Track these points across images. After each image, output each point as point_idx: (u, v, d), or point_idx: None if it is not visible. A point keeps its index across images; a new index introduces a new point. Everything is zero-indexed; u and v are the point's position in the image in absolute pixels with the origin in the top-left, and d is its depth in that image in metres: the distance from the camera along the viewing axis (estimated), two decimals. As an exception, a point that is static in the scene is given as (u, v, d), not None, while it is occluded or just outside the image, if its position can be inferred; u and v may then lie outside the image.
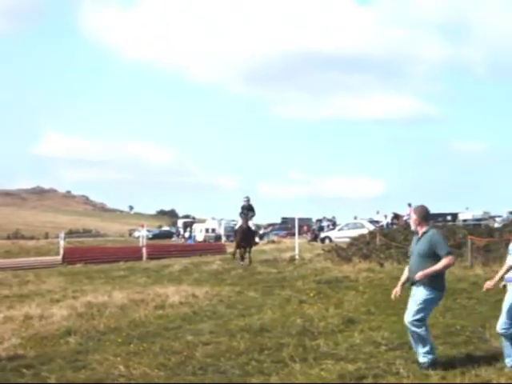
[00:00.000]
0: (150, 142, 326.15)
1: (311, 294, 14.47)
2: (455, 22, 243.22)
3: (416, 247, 8.35)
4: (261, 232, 56.67)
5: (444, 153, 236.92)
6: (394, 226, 37.31)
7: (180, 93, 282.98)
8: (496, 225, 36.74)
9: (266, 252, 30.22)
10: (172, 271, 23.12)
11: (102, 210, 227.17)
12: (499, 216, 53.17)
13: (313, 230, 53.08)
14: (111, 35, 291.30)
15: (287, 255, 25.36)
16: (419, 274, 8.04)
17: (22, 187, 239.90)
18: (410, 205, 40.01)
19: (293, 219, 32.16)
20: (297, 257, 24.12)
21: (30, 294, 18.15)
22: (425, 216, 8.37)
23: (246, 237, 23.51)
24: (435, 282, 8.09)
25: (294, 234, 31.25)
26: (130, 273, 23.78)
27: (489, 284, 8.29)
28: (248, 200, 23.84)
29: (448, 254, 8.03)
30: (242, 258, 23.42)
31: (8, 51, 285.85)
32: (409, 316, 8.14)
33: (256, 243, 24.86)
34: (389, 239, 22.51)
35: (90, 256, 32.33)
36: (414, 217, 8.40)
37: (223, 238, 58.74)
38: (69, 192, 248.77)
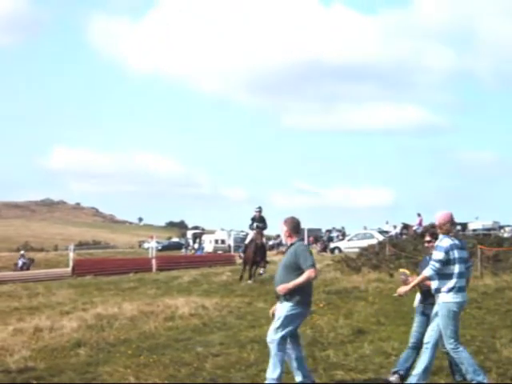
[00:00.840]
0: (158, 153, 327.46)
1: (321, 305, 14.46)
2: (461, 32, 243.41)
3: (283, 258, 8.17)
4: (270, 243, 56.60)
5: (452, 162, 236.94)
6: (404, 236, 37.21)
7: (188, 104, 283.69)
8: (506, 234, 36.73)
9: (277, 263, 30.18)
10: (181, 282, 23.10)
11: (111, 221, 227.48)
12: (509, 225, 53.03)
13: (322, 240, 53.01)
14: (118, 47, 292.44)
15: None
16: (280, 287, 7.85)
17: (32, 199, 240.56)
18: (419, 214, 40.08)
19: (302, 230, 31.92)
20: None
21: (40, 307, 18.20)
22: (295, 227, 8.16)
23: (258, 254, 21.25)
24: (299, 297, 7.79)
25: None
26: (139, 284, 23.77)
27: (401, 290, 8.00)
28: (260, 210, 21.63)
29: (310, 266, 7.71)
30: (250, 277, 21.29)
31: (17, 64, 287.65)
32: (269, 333, 7.89)
33: (267, 262, 22.30)
34: (398, 249, 22.50)
35: (100, 268, 32.33)
36: (284, 228, 8.16)
37: (232, 249, 58.84)
38: (78, 204, 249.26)
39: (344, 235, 52.31)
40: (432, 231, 8.31)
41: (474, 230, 50.20)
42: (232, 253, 51.65)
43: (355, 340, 10.77)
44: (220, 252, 59.96)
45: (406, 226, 42.52)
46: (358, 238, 43.19)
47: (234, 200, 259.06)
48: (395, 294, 8.16)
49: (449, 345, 7.64)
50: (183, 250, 66.66)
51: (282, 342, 7.77)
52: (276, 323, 7.83)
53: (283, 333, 7.75)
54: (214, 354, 10.36)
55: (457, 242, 7.75)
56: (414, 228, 39.32)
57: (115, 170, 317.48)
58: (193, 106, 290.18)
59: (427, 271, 7.64)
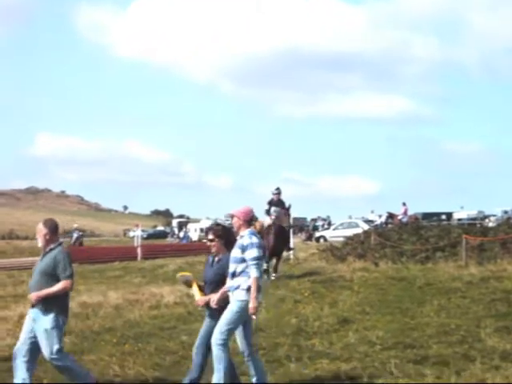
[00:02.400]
0: (144, 141, 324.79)
1: (306, 294, 14.45)
2: (448, 22, 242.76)
3: (40, 264, 7.73)
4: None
5: (438, 153, 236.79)
6: (389, 226, 37.34)
7: (174, 92, 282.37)
8: (490, 224, 36.88)
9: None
10: (167, 271, 23.07)
11: (96, 209, 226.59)
12: (493, 215, 53.38)
13: (307, 229, 53.18)
14: (105, 33, 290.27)
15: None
16: (34, 295, 7.57)
17: (16, 187, 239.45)
18: (404, 204, 40.20)
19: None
20: (291, 256, 24.07)
21: (25, 294, 17.98)
22: (55, 230, 7.81)
23: (280, 240, 17.87)
24: (57, 306, 7.55)
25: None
26: (124, 273, 23.75)
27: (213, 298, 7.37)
28: (279, 192, 18.39)
29: (67, 277, 7.44)
30: (276, 269, 18.21)
31: (2, 52, 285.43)
32: (47, 353, 7.41)
33: (291, 248, 18.79)
34: (383, 238, 22.51)
35: (85, 256, 32.24)
36: (44, 231, 7.73)
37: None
38: (63, 192, 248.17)
39: (329, 224, 52.49)
40: (215, 230, 7.83)
41: (459, 220, 50.52)
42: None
43: (340, 329, 10.78)
44: (205, 241, 60.22)
45: (391, 216, 42.61)
46: (344, 227, 43.36)
47: (219, 189, 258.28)
48: (200, 308, 7.81)
49: (218, 340, 7.19)
50: (168, 239, 66.67)
51: (61, 355, 7.46)
52: (44, 340, 7.45)
53: (56, 346, 7.40)
54: (199, 342, 10.34)
55: (260, 240, 7.46)
56: (399, 217, 39.46)
57: (101, 158, 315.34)
58: (180, 93, 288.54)
59: (255, 272, 7.15)
